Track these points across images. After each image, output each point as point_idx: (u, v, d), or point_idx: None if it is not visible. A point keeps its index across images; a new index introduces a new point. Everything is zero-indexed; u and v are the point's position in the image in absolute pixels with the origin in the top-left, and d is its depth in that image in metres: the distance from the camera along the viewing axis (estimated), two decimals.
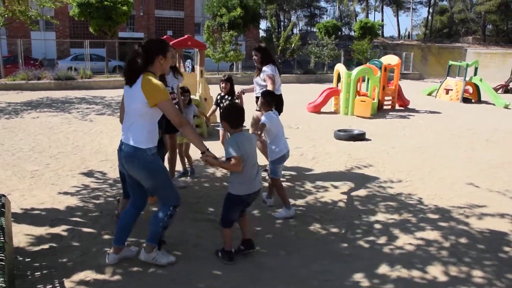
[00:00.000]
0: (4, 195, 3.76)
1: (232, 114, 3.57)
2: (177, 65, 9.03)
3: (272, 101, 4.85)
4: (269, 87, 5.53)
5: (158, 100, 3.25)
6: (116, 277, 3.46)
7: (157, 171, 3.41)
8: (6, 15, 13.40)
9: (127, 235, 3.67)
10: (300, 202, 5.23)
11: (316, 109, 12.63)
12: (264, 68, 5.80)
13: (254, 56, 5.95)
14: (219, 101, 6.18)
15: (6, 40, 24.91)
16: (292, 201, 5.05)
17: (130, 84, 3.33)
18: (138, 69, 3.30)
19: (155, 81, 3.29)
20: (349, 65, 23.31)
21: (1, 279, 2.43)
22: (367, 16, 48.86)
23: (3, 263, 2.60)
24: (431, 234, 4.39)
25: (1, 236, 2.96)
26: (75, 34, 29.35)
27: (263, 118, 4.71)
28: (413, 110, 13.63)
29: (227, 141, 3.56)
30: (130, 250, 3.75)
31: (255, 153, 3.65)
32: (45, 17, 15.26)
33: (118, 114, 11.17)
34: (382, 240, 4.24)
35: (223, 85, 6.15)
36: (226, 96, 6.13)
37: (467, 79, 16.60)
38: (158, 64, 3.37)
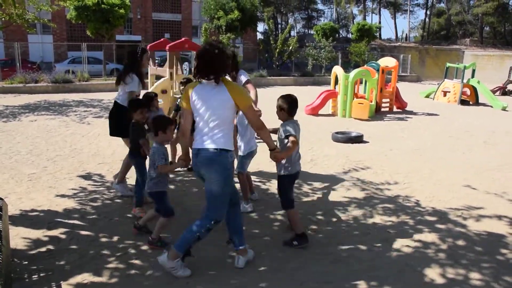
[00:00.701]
0: (1, 198, 3.76)
1: (292, 104, 3.97)
2: (175, 67, 9.06)
3: None
4: (252, 94, 5.03)
5: (244, 105, 3.40)
6: (114, 280, 3.45)
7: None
8: (3, 19, 13.36)
9: (242, 234, 3.70)
10: (298, 204, 5.21)
11: (314, 112, 12.64)
12: (240, 75, 5.40)
13: None
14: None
15: (3, 43, 24.89)
16: None
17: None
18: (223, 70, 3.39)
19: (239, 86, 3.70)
20: (347, 68, 23.32)
21: None
22: (364, 19, 48.98)
23: (0, 266, 2.59)
24: (429, 236, 4.39)
25: None
26: (72, 37, 29.35)
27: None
28: (411, 112, 13.65)
29: (285, 124, 3.98)
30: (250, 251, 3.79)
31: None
32: (42, 21, 15.22)
33: None
34: (380, 242, 4.24)
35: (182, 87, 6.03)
36: None
37: (465, 81, 16.64)
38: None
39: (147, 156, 4.40)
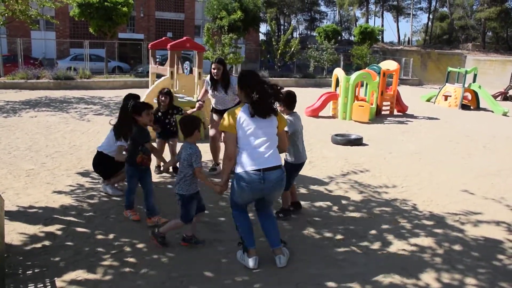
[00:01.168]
0: None
1: (290, 98, 4.54)
2: (175, 67, 9.04)
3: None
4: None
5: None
6: (108, 277, 3.44)
7: None
8: (6, 14, 13.38)
9: (252, 236, 3.77)
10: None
11: (314, 113, 12.63)
12: (233, 81, 5.85)
13: (215, 70, 5.87)
14: (161, 117, 6.03)
15: (6, 39, 24.90)
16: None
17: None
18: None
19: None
20: (348, 70, 23.32)
21: None
22: (367, 21, 49.00)
23: None
24: (425, 241, 4.38)
25: None
26: (75, 34, 29.36)
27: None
28: (411, 116, 13.63)
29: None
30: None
31: (302, 130, 4.68)
32: (45, 17, 15.24)
33: (116, 114, 11.20)
34: (376, 245, 4.23)
35: (163, 98, 6.00)
36: (170, 112, 6.10)
37: (466, 85, 16.62)
38: None
39: (146, 164, 4.43)
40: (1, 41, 20.12)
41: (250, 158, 3.55)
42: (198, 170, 3.77)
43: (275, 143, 3.70)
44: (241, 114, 3.59)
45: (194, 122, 3.86)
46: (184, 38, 8.93)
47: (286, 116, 4.30)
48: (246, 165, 3.54)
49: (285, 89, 4.29)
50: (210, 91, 6.17)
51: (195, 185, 3.86)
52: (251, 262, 3.66)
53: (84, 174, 6.12)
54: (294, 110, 4.66)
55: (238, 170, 3.58)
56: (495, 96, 19.26)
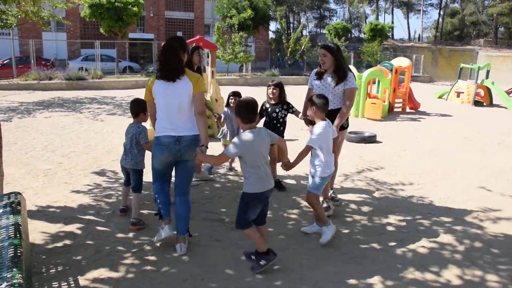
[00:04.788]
0: (19, 193, 3.79)
1: (241, 108, 3.51)
2: None
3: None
4: (348, 106, 4.74)
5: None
6: (130, 276, 3.48)
7: None
8: (19, 16, 13.50)
9: (168, 207, 3.96)
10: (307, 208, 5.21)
11: None
12: (349, 76, 4.77)
13: (322, 57, 4.74)
14: (268, 110, 5.40)
15: (19, 41, 25.14)
16: (304, 203, 5.05)
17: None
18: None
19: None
20: (359, 67, 23.25)
21: (19, 275, 2.45)
22: (377, 18, 48.71)
23: (21, 260, 2.62)
24: (444, 238, 4.36)
25: (18, 233, 2.98)
26: (85, 34, 29.57)
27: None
28: (424, 113, 13.55)
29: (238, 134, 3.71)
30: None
31: (266, 152, 3.55)
32: (57, 18, 15.33)
33: (129, 114, 11.28)
34: (395, 242, 4.22)
35: (272, 91, 5.37)
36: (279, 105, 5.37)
37: (479, 82, 16.48)
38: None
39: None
40: (13, 42, 20.29)
41: (159, 124, 3.79)
42: (146, 145, 4.37)
43: (185, 107, 3.74)
44: (156, 81, 3.79)
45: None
46: (197, 37, 8.96)
47: (241, 132, 3.55)
48: (158, 131, 3.79)
49: (243, 97, 3.84)
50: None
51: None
52: (164, 231, 3.88)
53: (101, 173, 6.18)
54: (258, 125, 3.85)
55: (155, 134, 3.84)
56: (508, 92, 19.07)
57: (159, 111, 3.79)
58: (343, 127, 4.90)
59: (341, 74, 4.71)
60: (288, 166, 3.84)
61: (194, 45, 5.92)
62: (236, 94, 6.02)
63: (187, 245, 3.91)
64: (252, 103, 3.52)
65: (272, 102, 5.42)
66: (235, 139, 3.48)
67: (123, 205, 4.73)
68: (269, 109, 5.39)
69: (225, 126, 6.12)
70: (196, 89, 3.70)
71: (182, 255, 3.79)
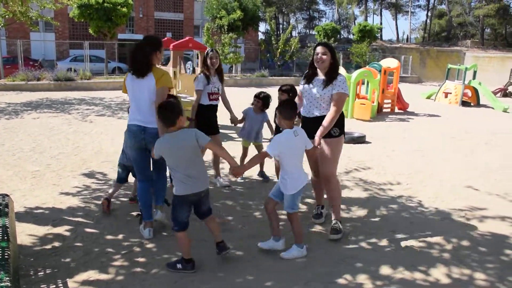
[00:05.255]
0: (7, 195, 3.77)
1: (161, 111, 3.52)
2: (178, 66, 9.08)
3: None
4: (332, 112, 4.24)
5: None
6: (119, 278, 3.46)
7: None
8: (6, 16, 13.38)
9: (150, 210, 4.24)
10: (301, 205, 5.23)
11: None
12: (339, 80, 4.32)
13: (321, 55, 4.32)
14: None
15: (6, 41, 24.90)
16: None
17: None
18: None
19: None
20: (348, 68, 23.37)
21: (7, 278, 2.43)
22: (366, 19, 49.00)
23: (9, 262, 2.60)
24: (433, 237, 4.40)
25: (6, 235, 2.96)
26: (74, 35, 29.38)
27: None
28: (413, 114, 13.67)
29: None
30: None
31: (186, 155, 3.47)
32: (45, 18, 15.25)
33: (118, 115, 11.23)
34: (384, 242, 4.25)
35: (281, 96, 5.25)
36: None
37: (466, 82, 16.66)
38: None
39: None
40: (1, 42, 20.09)
41: (131, 113, 4.18)
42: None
43: (150, 101, 3.99)
44: (128, 76, 4.16)
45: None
46: (187, 38, 8.96)
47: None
48: (129, 119, 4.18)
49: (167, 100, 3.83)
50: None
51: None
52: (146, 233, 4.14)
53: (89, 175, 6.14)
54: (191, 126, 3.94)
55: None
56: (494, 93, 19.33)
57: (131, 102, 4.18)
58: (331, 135, 4.29)
59: (333, 75, 4.32)
60: (235, 171, 3.70)
61: (208, 49, 5.84)
62: (263, 97, 5.84)
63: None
64: (169, 105, 3.56)
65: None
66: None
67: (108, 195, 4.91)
68: None
69: (245, 125, 6.02)
70: (158, 84, 3.97)
71: (172, 258, 3.77)
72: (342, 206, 5.19)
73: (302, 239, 3.91)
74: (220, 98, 5.70)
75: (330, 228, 4.33)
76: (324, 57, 4.29)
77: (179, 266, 3.57)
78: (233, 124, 5.89)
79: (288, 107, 3.81)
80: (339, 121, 4.36)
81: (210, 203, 3.76)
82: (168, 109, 3.47)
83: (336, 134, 4.33)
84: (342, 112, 4.40)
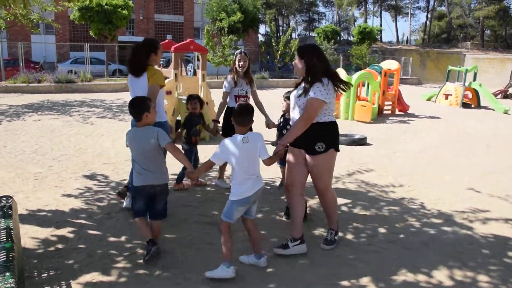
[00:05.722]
0: (11, 197, 3.77)
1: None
2: (179, 69, 9.08)
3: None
4: (298, 120, 3.78)
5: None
6: (122, 279, 3.46)
7: None
8: (8, 19, 13.42)
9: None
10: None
11: None
12: (315, 85, 3.75)
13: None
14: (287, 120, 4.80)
15: (7, 43, 24.94)
16: None
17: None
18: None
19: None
20: (348, 70, 23.39)
21: (12, 279, 2.44)
22: (365, 21, 49.11)
23: (14, 264, 2.61)
24: (436, 239, 4.40)
25: (10, 237, 2.96)
26: (75, 37, 29.43)
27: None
28: (413, 115, 13.68)
29: None
30: None
31: (152, 151, 3.67)
32: (46, 21, 15.31)
33: (119, 117, 11.24)
34: (387, 244, 4.25)
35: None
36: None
37: (466, 84, 16.67)
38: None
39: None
40: (2, 45, 20.12)
41: None
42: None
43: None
44: (129, 75, 4.52)
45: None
46: (188, 40, 8.96)
47: None
48: None
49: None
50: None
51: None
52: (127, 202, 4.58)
53: (91, 177, 6.14)
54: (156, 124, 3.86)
55: None
56: (495, 94, 19.34)
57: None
58: (316, 152, 3.82)
59: (310, 80, 3.81)
60: (189, 175, 3.78)
61: (237, 51, 5.76)
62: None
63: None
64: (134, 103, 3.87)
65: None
66: None
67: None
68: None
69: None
70: (149, 82, 4.29)
71: (177, 259, 3.78)
72: (345, 208, 5.21)
73: (229, 257, 3.49)
74: (252, 101, 5.59)
75: (324, 238, 4.22)
76: (295, 62, 3.98)
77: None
78: (268, 128, 5.54)
79: (241, 113, 3.55)
80: (326, 134, 3.84)
81: (168, 209, 4.09)
82: (134, 105, 3.75)
83: (321, 150, 3.81)
84: (332, 123, 3.89)
